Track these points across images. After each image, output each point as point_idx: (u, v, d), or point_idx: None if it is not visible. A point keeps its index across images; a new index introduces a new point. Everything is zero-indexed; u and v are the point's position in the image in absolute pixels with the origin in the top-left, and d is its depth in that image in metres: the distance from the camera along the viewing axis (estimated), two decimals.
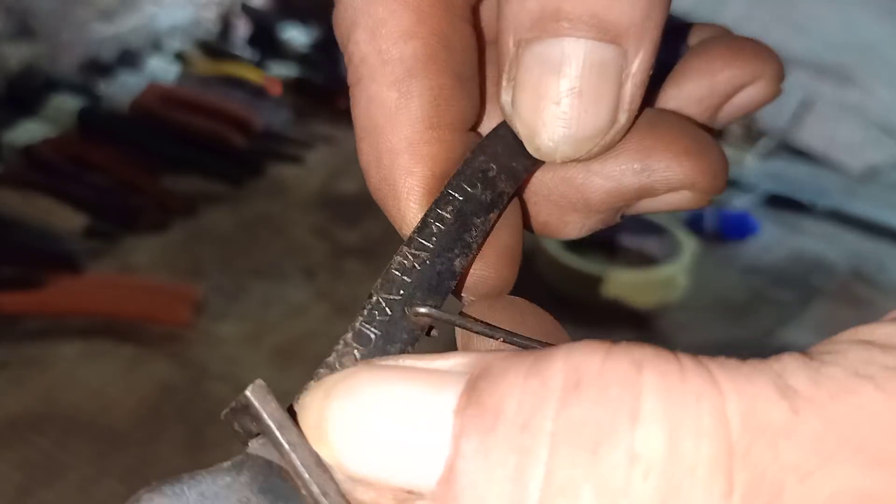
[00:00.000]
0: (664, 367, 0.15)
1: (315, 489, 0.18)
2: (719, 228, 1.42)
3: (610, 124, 0.22)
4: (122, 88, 1.56)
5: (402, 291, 0.22)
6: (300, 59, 1.83)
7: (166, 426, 0.96)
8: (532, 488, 0.14)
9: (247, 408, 0.20)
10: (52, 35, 1.57)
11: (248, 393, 0.20)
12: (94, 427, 0.95)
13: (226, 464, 0.20)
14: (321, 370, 0.21)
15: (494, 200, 0.24)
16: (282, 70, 1.78)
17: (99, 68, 1.61)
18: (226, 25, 1.86)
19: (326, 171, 1.53)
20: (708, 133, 0.26)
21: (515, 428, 0.15)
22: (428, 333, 0.22)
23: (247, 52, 1.83)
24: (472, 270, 0.24)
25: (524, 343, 0.22)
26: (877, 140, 1.71)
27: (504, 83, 0.23)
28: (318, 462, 0.18)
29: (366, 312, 0.21)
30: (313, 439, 0.17)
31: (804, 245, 1.45)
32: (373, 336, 0.21)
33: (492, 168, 0.24)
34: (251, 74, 1.73)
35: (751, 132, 1.70)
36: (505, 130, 0.24)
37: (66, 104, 1.47)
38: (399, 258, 0.22)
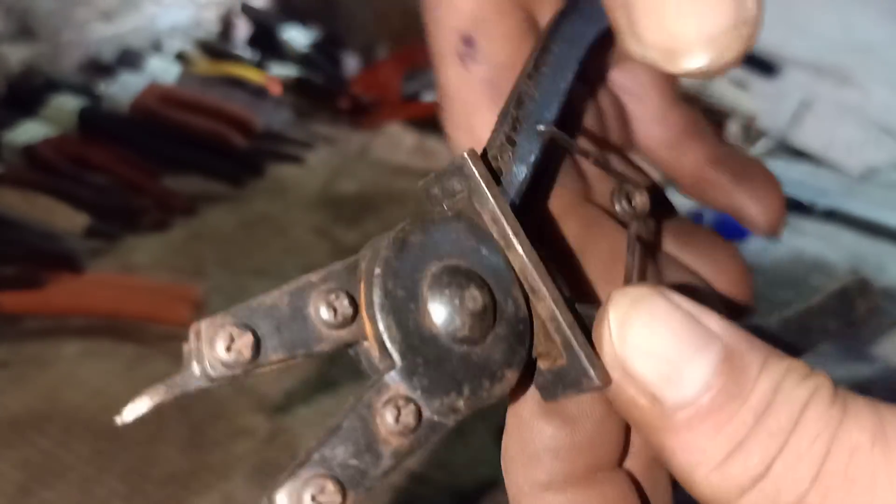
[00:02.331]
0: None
1: (510, 232, 0.22)
2: (718, 228, 1.42)
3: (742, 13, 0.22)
4: (123, 88, 1.56)
5: (531, 108, 0.25)
6: (301, 59, 1.83)
7: (167, 425, 0.96)
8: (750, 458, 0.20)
9: (460, 169, 0.23)
10: (53, 35, 1.57)
11: (465, 155, 0.23)
12: (95, 426, 0.95)
13: (446, 216, 0.23)
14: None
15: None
16: (282, 70, 1.78)
17: (99, 68, 1.62)
18: (226, 26, 1.86)
19: (327, 171, 1.53)
20: None
21: (749, 412, 0.20)
22: (552, 148, 0.26)
23: (247, 53, 1.83)
24: None
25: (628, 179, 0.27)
26: (876, 140, 1.71)
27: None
28: (514, 217, 0.22)
29: (506, 124, 0.24)
30: (615, 328, 0.21)
31: (804, 245, 1.45)
32: (516, 141, 0.24)
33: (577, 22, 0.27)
34: (252, 74, 1.73)
35: (750, 132, 1.70)
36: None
37: (66, 104, 1.47)
38: (522, 87, 0.25)
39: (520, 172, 0.25)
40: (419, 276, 0.21)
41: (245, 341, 0.19)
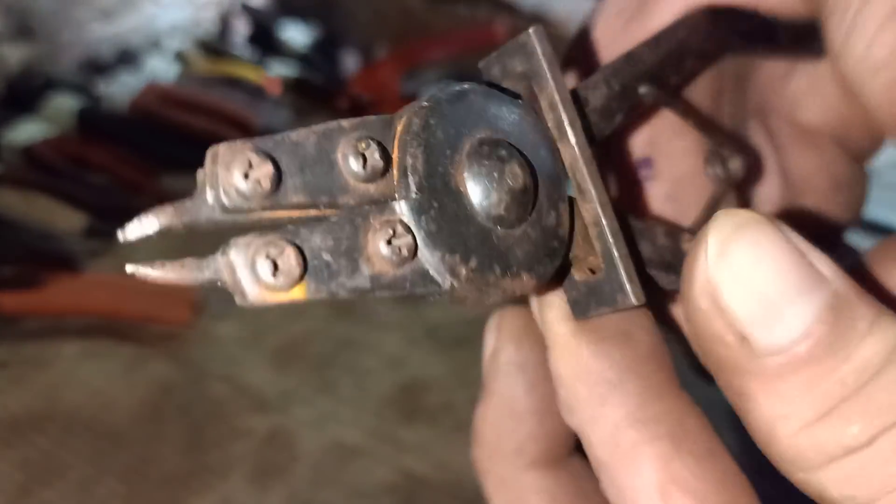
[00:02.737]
0: None
1: (565, 120, 0.20)
2: None
3: None
4: (122, 88, 1.56)
5: (635, 71, 0.24)
6: (300, 59, 1.83)
7: (166, 425, 0.96)
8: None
9: (524, 46, 0.21)
10: (52, 35, 1.57)
11: (531, 31, 0.21)
12: (95, 426, 0.95)
13: (510, 93, 0.21)
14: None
15: (701, 55, 0.26)
16: (281, 70, 1.78)
17: (98, 68, 1.61)
18: (225, 25, 1.86)
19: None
20: None
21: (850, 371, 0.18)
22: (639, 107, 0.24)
23: (246, 52, 1.83)
24: None
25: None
26: None
27: None
28: (573, 106, 0.21)
29: (608, 72, 0.23)
30: (712, 250, 0.19)
31: None
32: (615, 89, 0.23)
33: (701, 31, 0.26)
34: (251, 74, 1.73)
35: None
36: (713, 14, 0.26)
37: (65, 104, 1.47)
38: (635, 51, 0.24)
39: (604, 116, 0.23)
40: (463, 134, 0.19)
41: (265, 171, 0.17)
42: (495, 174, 0.19)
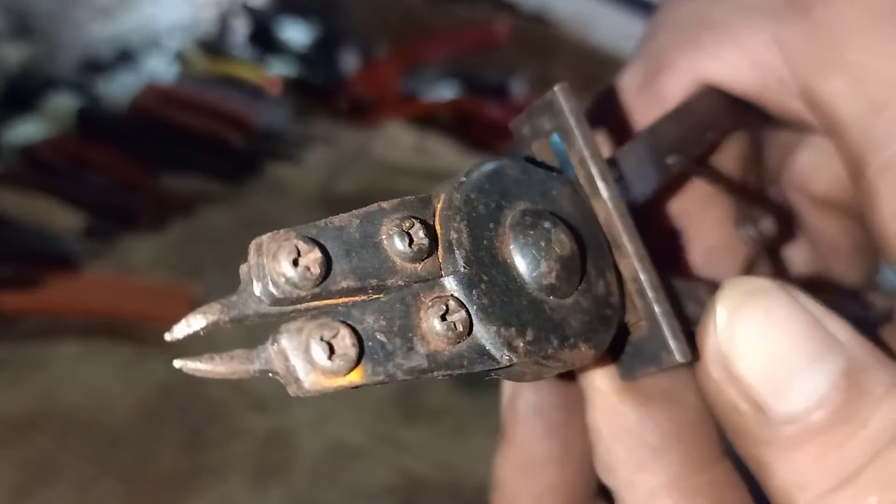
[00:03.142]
0: None
1: (596, 175, 0.20)
2: None
3: None
4: (121, 88, 1.56)
5: (662, 143, 0.23)
6: (299, 58, 1.83)
7: (165, 426, 0.96)
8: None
9: (550, 104, 0.21)
10: (51, 34, 1.57)
11: (556, 89, 0.21)
12: (94, 426, 0.95)
13: (551, 168, 0.21)
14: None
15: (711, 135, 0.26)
16: (281, 69, 1.77)
17: (98, 68, 1.61)
18: (225, 25, 1.86)
19: (325, 171, 1.52)
20: None
21: (868, 441, 0.18)
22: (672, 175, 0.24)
23: (246, 52, 1.83)
24: None
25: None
26: None
27: None
28: (603, 160, 0.20)
29: (633, 146, 0.23)
30: (722, 319, 0.19)
31: None
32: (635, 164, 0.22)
33: (708, 112, 0.26)
34: (250, 74, 1.72)
35: None
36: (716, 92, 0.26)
37: (64, 104, 1.47)
38: (660, 125, 0.24)
39: (638, 185, 0.23)
40: (503, 207, 0.19)
41: (314, 257, 0.16)
42: (542, 243, 0.19)
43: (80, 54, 1.61)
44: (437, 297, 0.18)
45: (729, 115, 0.27)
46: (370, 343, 0.17)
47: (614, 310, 0.20)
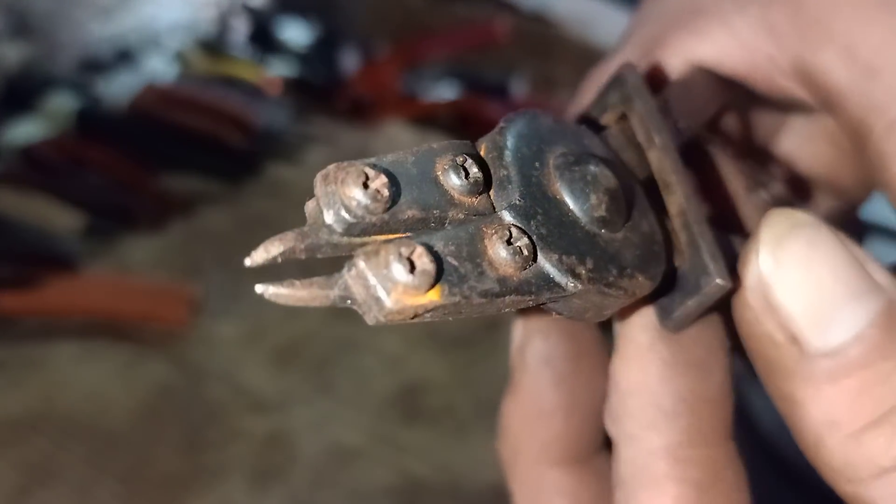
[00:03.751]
0: None
1: (654, 129, 0.21)
2: None
3: None
4: (121, 88, 1.56)
5: (670, 109, 0.24)
6: (299, 58, 1.83)
7: (165, 426, 0.96)
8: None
9: (617, 79, 0.22)
10: (50, 34, 1.56)
11: (621, 66, 0.22)
12: (92, 427, 0.94)
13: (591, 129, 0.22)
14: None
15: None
16: (281, 70, 1.77)
17: (97, 67, 1.61)
18: (224, 25, 1.86)
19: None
20: None
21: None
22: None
23: (246, 52, 1.82)
24: None
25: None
26: None
27: None
28: (661, 120, 0.22)
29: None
30: (765, 247, 0.19)
31: None
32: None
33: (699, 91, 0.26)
34: (250, 74, 1.72)
35: None
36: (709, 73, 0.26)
37: (64, 104, 1.47)
38: (661, 99, 0.24)
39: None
40: (544, 150, 0.20)
41: (382, 181, 0.17)
42: (588, 177, 0.19)
43: (80, 54, 1.61)
44: (500, 226, 0.18)
45: (720, 94, 0.27)
46: (445, 265, 0.17)
47: (660, 246, 0.21)
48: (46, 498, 0.87)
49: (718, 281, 0.20)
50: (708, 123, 0.27)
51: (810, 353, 0.18)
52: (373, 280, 0.16)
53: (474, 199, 0.19)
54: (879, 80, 0.22)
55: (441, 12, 1.94)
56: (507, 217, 0.19)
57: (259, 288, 0.17)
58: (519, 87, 1.83)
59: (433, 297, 0.17)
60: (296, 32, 1.88)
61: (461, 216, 0.18)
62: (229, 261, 1.32)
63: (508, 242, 0.18)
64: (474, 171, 0.18)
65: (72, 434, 0.94)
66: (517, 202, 0.19)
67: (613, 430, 0.22)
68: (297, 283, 0.17)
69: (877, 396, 0.18)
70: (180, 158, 1.44)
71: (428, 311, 0.17)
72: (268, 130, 1.59)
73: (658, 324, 0.22)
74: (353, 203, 0.17)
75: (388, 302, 0.16)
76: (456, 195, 0.18)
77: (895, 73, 0.22)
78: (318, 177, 0.17)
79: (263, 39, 1.84)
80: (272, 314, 1.16)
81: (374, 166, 0.17)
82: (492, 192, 0.19)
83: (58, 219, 1.25)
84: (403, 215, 0.17)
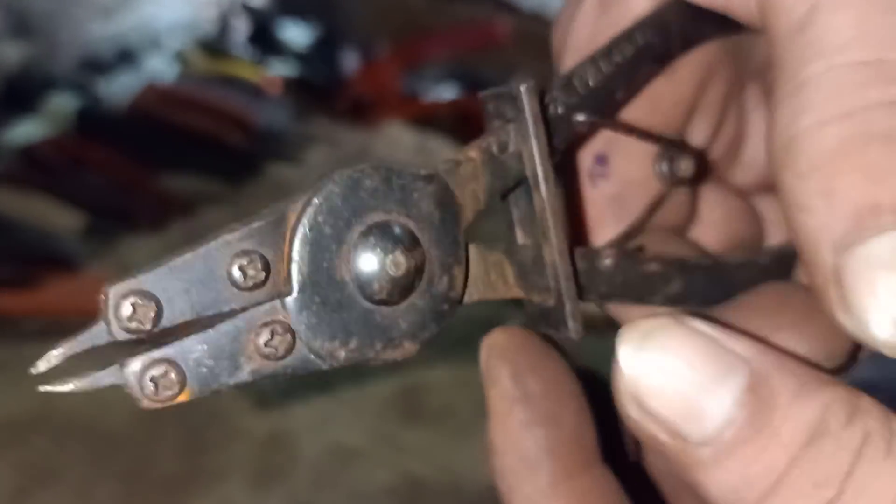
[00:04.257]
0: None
1: (541, 175, 0.24)
2: None
3: None
4: (121, 88, 1.56)
5: (573, 99, 0.26)
6: (299, 58, 1.83)
7: (164, 428, 0.96)
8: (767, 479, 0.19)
9: (514, 99, 0.24)
10: (51, 34, 1.56)
11: (521, 88, 0.24)
12: (92, 429, 0.94)
13: (417, 172, 0.23)
14: None
15: (664, 56, 0.28)
16: (281, 69, 1.77)
17: (97, 67, 1.61)
18: (225, 25, 1.86)
19: (325, 171, 1.52)
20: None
21: (777, 442, 0.19)
22: (576, 136, 0.27)
23: (246, 52, 1.82)
24: None
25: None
26: None
27: (833, 297, 0.21)
28: (549, 161, 0.24)
29: (548, 104, 0.25)
30: (624, 366, 0.20)
31: None
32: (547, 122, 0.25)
33: (672, 28, 0.27)
34: (250, 74, 1.72)
35: None
36: (684, 5, 0.27)
37: (64, 104, 1.47)
38: (579, 71, 0.26)
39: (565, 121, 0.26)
40: (352, 224, 0.22)
41: (146, 311, 0.20)
42: (376, 264, 0.21)
43: (80, 54, 1.61)
44: (266, 324, 0.21)
45: (694, 25, 0.28)
46: (199, 368, 0.21)
47: (452, 303, 0.23)
48: (46, 498, 0.87)
49: (574, 336, 0.24)
50: (644, 81, 0.28)
51: (694, 444, 0.19)
52: (132, 387, 0.20)
53: (254, 293, 0.21)
54: (809, 30, 0.22)
55: (441, 13, 1.94)
56: (283, 306, 0.21)
57: (42, 389, 0.21)
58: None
59: (182, 398, 0.21)
60: (296, 32, 1.88)
61: (237, 307, 0.21)
62: None
63: (267, 344, 0.21)
64: (256, 269, 0.20)
65: (72, 434, 0.94)
66: (295, 295, 0.21)
67: (501, 487, 0.25)
68: (76, 380, 0.20)
69: (761, 470, 0.19)
70: (180, 158, 1.44)
71: (182, 403, 0.21)
72: (268, 130, 1.59)
73: (513, 391, 0.25)
74: (121, 330, 0.20)
75: (143, 402, 0.20)
76: (235, 291, 0.21)
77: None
78: (101, 295, 0.20)
79: (264, 39, 1.84)
80: None
81: (144, 294, 0.20)
82: (283, 268, 0.21)
83: (58, 219, 1.25)
84: (173, 323, 0.20)
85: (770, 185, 0.30)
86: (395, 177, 0.22)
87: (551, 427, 0.25)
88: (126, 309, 0.20)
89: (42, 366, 0.20)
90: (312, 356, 0.21)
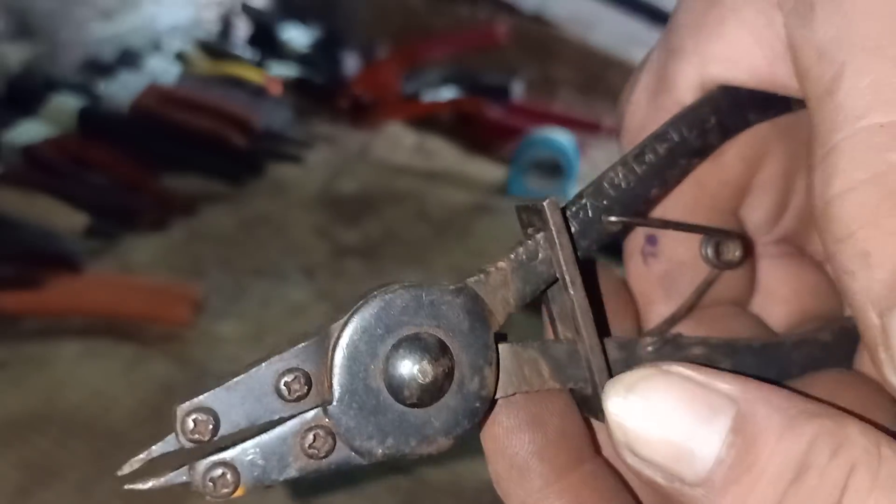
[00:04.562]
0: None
1: (569, 280, 0.25)
2: None
3: None
4: (123, 88, 1.56)
5: (604, 201, 0.27)
6: (301, 58, 1.83)
7: (166, 426, 0.96)
8: None
9: (540, 212, 0.26)
10: (52, 35, 1.57)
11: (545, 203, 0.25)
12: (94, 427, 0.95)
13: (447, 288, 0.26)
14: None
15: (702, 148, 0.28)
16: (282, 70, 1.78)
17: (99, 68, 1.61)
18: (226, 25, 1.86)
19: (326, 171, 1.53)
20: None
21: (764, 480, 0.19)
22: (610, 236, 0.28)
23: (247, 52, 1.83)
24: None
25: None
26: None
27: (883, 357, 0.21)
28: (576, 265, 0.25)
29: (574, 209, 0.27)
30: (613, 420, 0.21)
31: None
32: (574, 228, 0.27)
33: (710, 120, 0.28)
34: (251, 74, 1.73)
35: None
36: (727, 92, 0.28)
37: (66, 104, 1.47)
38: (611, 174, 0.27)
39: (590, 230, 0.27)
40: (385, 339, 0.25)
41: (206, 425, 0.24)
42: (406, 373, 0.24)
43: (82, 54, 1.61)
44: (310, 428, 0.24)
45: (736, 112, 0.28)
46: (253, 468, 0.24)
47: (484, 400, 0.25)
48: (47, 497, 0.88)
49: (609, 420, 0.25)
50: (679, 177, 0.29)
51: (689, 485, 0.20)
52: (197, 486, 0.24)
53: (300, 402, 0.24)
54: (841, 89, 0.22)
55: (441, 13, 1.95)
56: (324, 416, 0.24)
57: (127, 487, 0.25)
58: (519, 88, 1.84)
59: (238, 493, 0.24)
60: (297, 33, 1.88)
61: (286, 415, 0.24)
62: (231, 261, 1.33)
63: (313, 441, 0.24)
64: (296, 387, 0.24)
65: (74, 433, 0.94)
66: (335, 405, 0.24)
67: (498, 492, 0.26)
68: (154, 479, 0.24)
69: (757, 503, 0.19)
70: (182, 159, 1.44)
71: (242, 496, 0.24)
72: (269, 131, 1.59)
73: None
74: (187, 441, 0.24)
75: (208, 498, 0.24)
76: (282, 402, 0.24)
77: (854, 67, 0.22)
78: (174, 410, 0.24)
79: (265, 41, 1.85)
80: (274, 314, 1.17)
81: (204, 409, 0.24)
82: (326, 379, 0.24)
83: (60, 219, 1.25)
84: (229, 431, 0.24)
85: None
86: (424, 294, 0.25)
87: (536, 430, 0.26)
88: (189, 424, 0.24)
89: (126, 469, 0.25)
90: (354, 455, 0.24)
